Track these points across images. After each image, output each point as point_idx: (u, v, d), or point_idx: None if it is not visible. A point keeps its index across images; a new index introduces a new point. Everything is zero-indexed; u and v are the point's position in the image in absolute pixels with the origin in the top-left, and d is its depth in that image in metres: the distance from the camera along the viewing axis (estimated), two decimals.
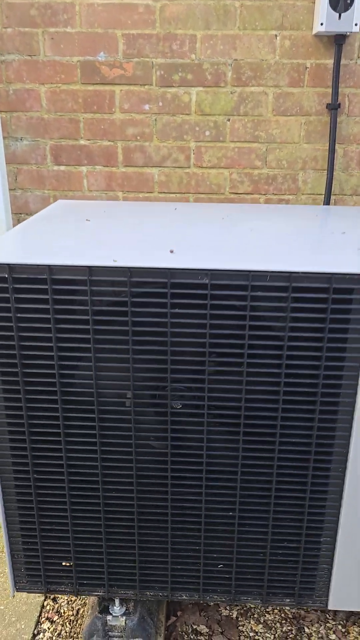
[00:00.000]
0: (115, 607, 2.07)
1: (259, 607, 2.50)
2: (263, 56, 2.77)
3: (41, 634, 2.35)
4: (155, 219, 2.21)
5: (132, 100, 2.87)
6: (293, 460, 1.76)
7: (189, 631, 2.37)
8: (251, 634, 2.37)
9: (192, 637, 2.34)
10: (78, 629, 2.36)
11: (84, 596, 2.53)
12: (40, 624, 2.39)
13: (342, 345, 1.59)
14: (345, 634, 2.37)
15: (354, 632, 2.38)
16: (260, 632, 2.38)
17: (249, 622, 2.42)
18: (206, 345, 1.60)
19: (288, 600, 1.99)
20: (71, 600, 2.52)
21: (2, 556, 2.76)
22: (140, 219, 2.18)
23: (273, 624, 2.42)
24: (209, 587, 1.99)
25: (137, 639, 2.05)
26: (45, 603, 2.50)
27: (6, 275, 1.55)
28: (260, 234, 1.89)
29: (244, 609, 2.49)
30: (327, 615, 2.47)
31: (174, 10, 2.73)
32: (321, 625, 2.41)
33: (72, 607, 2.48)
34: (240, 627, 2.40)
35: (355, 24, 2.64)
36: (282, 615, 2.47)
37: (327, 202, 2.97)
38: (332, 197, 2.99)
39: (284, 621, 2.44)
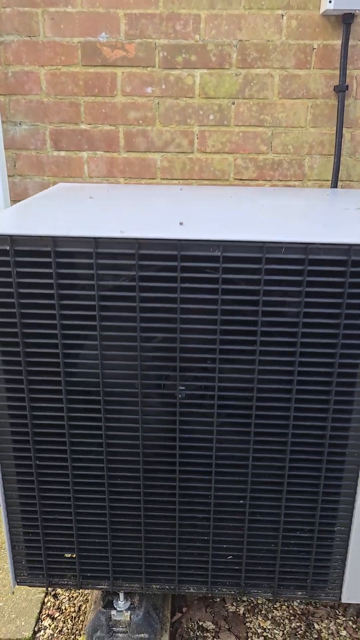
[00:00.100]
0: (119, 602, 1.99)
1: (267, 603, 2.42)
2: (269, 37, 2.70)
3: (42, 630, 2.27)
4: (161, 198, 2.13)
5: (134, 83, 2.79)
6: (307, 444, 1.68)
7: (195, 627, 2.29)
8: (259, 630, 2.29)
9: (198, 633, 2.26)
10: (80, 626, 2.28)
11: (87, 590, 2.46)
12: (41, 621, 2.31)
13: None
14: (357, 630, 2.29)
15: None
16: (269, 629, 2.30)
17: (257, 619, 2.35)
18: (217, 322, 1.53)
19: (300, 593, 1.91)
20: (72, 597, 2.44)
21: (0, 552, 2.68)
22: (145, 198, 2.11)
23: (281, 620, 2.34)
24: (217, 580, 1.91)
25: (142, 634, 1.97)
26: (45, 600, 2.42)
27: (7, 248, 1.47)
28: (272, 209, 1.82)
29: (251, 605, 2.41)
30: (337, 612, 2.39)
31: None
32: (331, 622, 2.33)
33: (74, 604, 2.40)
34: (247, 624, 2.32)
35: None
36: (291, 611, 2.39)
37: (334, 188, 2.89)
38: (339, 183, 2.92)
39: (292, 617, 2.36)
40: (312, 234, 1.47)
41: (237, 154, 2.90)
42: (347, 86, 2.73)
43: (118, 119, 2.86)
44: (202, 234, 1.44)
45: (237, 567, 1.88)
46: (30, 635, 2.23)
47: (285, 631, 2.29)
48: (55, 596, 2.44)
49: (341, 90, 2.72)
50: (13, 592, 2.43)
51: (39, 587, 1.92)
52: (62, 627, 2.29)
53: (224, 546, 1.85)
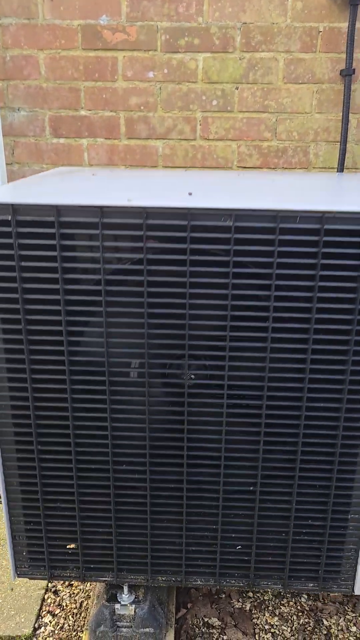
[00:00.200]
0: (123, 595, 1.92)
1: (273, 600, 2.35)
2: (274, 19, 2.64)
3: (42, 627, 2.19)
4: (166, 177, 2.07)
5: (135, 67, 2.73)
6: (320, 427, 1.61)
7: (200, 624, 2.22)
8: (266, 627, 2.22)
9: (203, 630, 2.19)
10: (82, 622, 2.21)
11: (88, 586, 2.39)
12: (41, 618, 2.24)
13: None
14: None
15: None
16: (276, 625, 2.23)
17: (264, 615, 2.28)
18: (228, 297, 1.46)
19: (311, 584, 1.84)
20: (73, 593, 2.36)
21: None
22: (150, 175, 2.04)
23: (289, 617, 2.27)
24: (225, 571, 1.84)
25: (147, 629, 1.89)
26: (45, 596, 2.34)
27: (9, 218, 1.40)
28: (284, 184, 1.76)
29: (258, 601, 2.34)
30: (346, 607, 2.32)
31: None
32: (340, 617, 2.27)
33: (75, 600, 2.33)
34: (254, 620, 2.25)
35: None
36: (298, 607, 2.32)
37: None
38: (345, 172, 2.85)
39: (300, 613, 2.29)
40: (328, 202, 1.40)
41: (240, 140, 2.84)
42: (354, 70, 2.67)
43: (119, 105, 2.79)
44: (212, 202, 1.37)
45: (246, 558, 1.81)
46: (30, 631, 2.15)
47: (293, 627, 2.22)
48: (55, 592, 2.37)
49: (348, 74, 2.66)
50: (12, 589, 2.35)
51: (40, 579, 1.85)
52: (63, 623, 2.21)
53: (233, 535, 1.79)
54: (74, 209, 1.39)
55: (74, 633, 2.16)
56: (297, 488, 1.69)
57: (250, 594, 2.37)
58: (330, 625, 2.23)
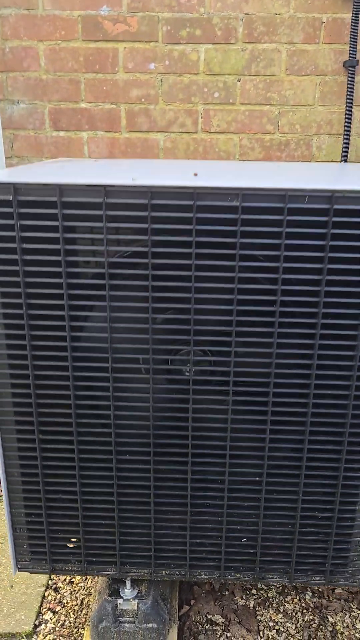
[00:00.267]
0: (126, 590, 1.88)
1: (277, 597, 2.31)
2: (276, 10, 2.61)
3: (43, 624, 2.15)
4: (170, 164, 2.04)
5: (136, 59, 2.70)
6: (328, 415, 1.58)
7: (204, 621, 2.18)
8: (271, 624, 2.18)
9: (207, 627, 2.15)
10: (83, 619, 2.17)
11: (89, 583, 2.35)
12: (42, 615, 2.20)
13: None
14: None
15: None
16: (281, 622, 2.19)
17: (268, 612, 2.24)
18: (235, 281, 1.42)
19: (318, 578, 1.80)
20: (74, 591, 2.32)
21: None
22: (154, 163, 2.01)
23: (294, 614, 2.23)
24: (230, 565, 1.80)
25: (151, 624, 1.85)
26: (46, 593, 2.30)
27: (10, 198, 1.36)
28: (290, 169, 1.72)
29: (261, 598, 2.30)
30: (352, 604, 2.28)
31: None
32: (346, 614, 2.23)
33: (76, 597, 2.29)
34: (258, 617, 2.21)
35: None
36: (303, 604, 2.28)
37: None
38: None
39: (305, 610, 2.25)
40: (338, 181, 1.37)
41: (242, 133, 2.81)
42: (358, 62, 2.65)
43: (120, 97, 2.77)
44: (219, 182, 1.34)
45: (251, 551, 1.77)
46: (30, 629, 2.11)
47: (298, 624, 2.18)
48: (56, 590, 2.33)
49: (351, 65, 2.63)
50: (12, 587, 2.31)
51: (42, 573, 1.81)
52: (64, 620, 2.17)
53: (238, 527, 1.75)
54: (77, 189, 1.35)
55: (75, 630, 2.12)
56: (304, 479, 1.66)
57: (254, 592, 2.33)
58: (335, 622, 2.19)
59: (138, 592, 1.89)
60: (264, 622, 2.19)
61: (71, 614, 2.20)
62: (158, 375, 1.57)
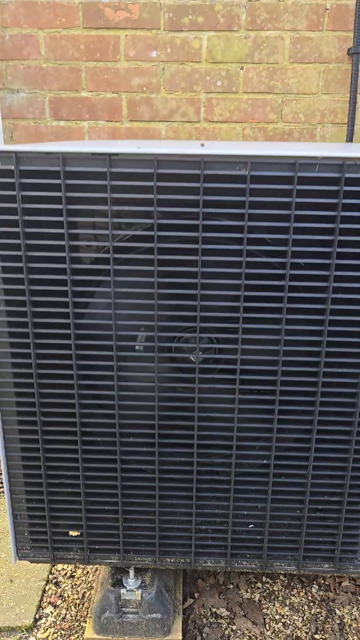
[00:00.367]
0: (129, 579, 1.83)
1: (283, 590, 2.27)
2: None
3: (43, 618, 2.10)
4: (175, 142, 2.00)
5: (138, 47, 2.67)
6: (338, 394, 1.54)
7: (208, 614, 2.13)
8: (277, 617, 2.13)
9: (212, 620, 2.10)
10: (85, 612, 2.12)
11: (91, 577, 2.30)
12: (42, 609, 2.15)
13: None
14: None
15: None
16: (287, 615, 2.14)
17: (274, 605, 2.19)
18: (243, 254, 1.38)
19: (327, 565, 1.76)
20: (76, 584, 2.28)
21: None
22: (159, 141, 1.97)
23: (300, 607, 2.19)
24: (237, 552, 1.76)
25: (155, 614, 1.81)
26: (46, 587, 2.25)
27: (12, 168, 1.32)
28: (298, 145, 1.69)
29: (267, 591, 2.26)
30: (359, 597, 2.23)
31: None
32: (353, 607, 2.18)
33: (77, 591, 2.24)
34: (264, 610, 2.16)
35: None
36: (309, 597, 2.23)
37: None
38: None
39: (311, 603, 2.20)
40: (349, 150, 1.33)
41: (245, 123, 2.77)
42: None
43: (121, 86, 2.73)
44: (227, 149, 1.30)
45: (258, 537, 1.73)
46: (31, 622, 2.06)
47: (304, 617, 2.13)
48: (56, 584, 2.28)
49: (355, 53, 2.60)
50: (11, 581, 2.27)
51: (43, 562, 1.76)
52: (65, 614, 2.12)
53: (245, 513, 1.70)
54: (81, 157, 1.32)
55: (77, 623, 2.07)
56: (313, 461, 1.61)
57: (259, 585, 2.29)
58: (343, 615, 2.14)
59: (142, 582, 1.84)
60: (270, 615, 2.14)
61: (72, 607, 2.15)
62: (163, 354, 1.53)
